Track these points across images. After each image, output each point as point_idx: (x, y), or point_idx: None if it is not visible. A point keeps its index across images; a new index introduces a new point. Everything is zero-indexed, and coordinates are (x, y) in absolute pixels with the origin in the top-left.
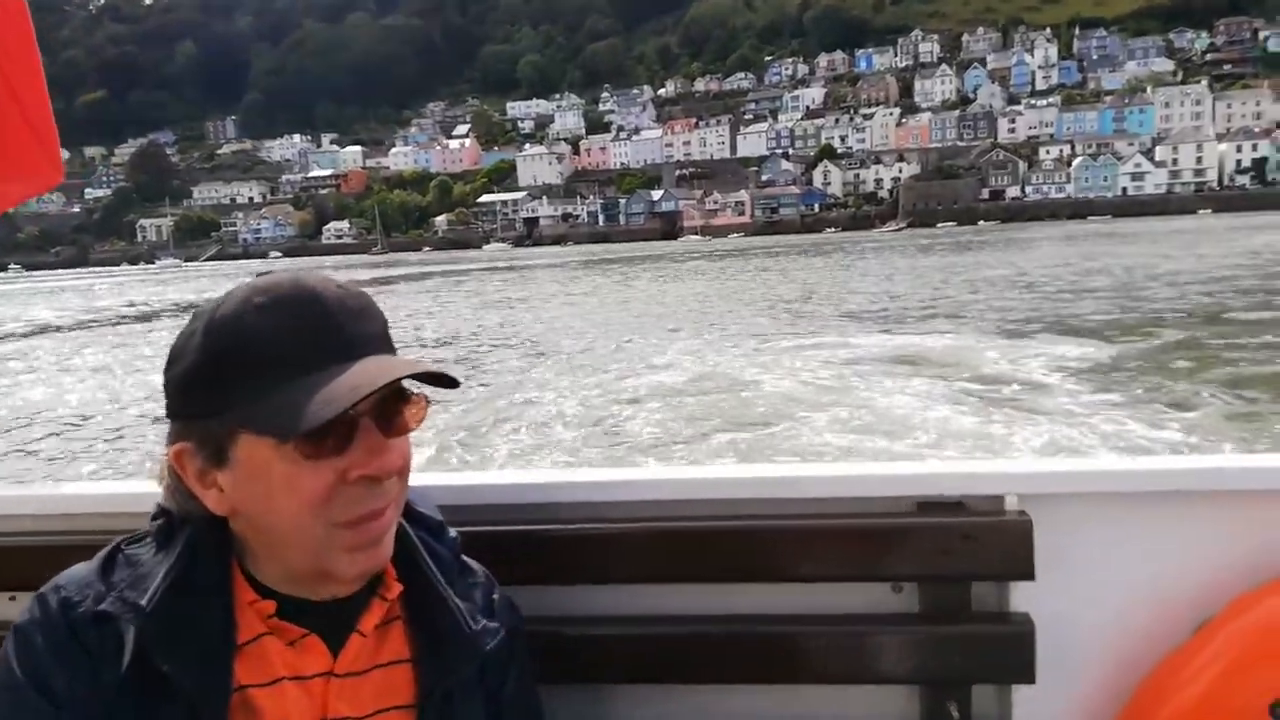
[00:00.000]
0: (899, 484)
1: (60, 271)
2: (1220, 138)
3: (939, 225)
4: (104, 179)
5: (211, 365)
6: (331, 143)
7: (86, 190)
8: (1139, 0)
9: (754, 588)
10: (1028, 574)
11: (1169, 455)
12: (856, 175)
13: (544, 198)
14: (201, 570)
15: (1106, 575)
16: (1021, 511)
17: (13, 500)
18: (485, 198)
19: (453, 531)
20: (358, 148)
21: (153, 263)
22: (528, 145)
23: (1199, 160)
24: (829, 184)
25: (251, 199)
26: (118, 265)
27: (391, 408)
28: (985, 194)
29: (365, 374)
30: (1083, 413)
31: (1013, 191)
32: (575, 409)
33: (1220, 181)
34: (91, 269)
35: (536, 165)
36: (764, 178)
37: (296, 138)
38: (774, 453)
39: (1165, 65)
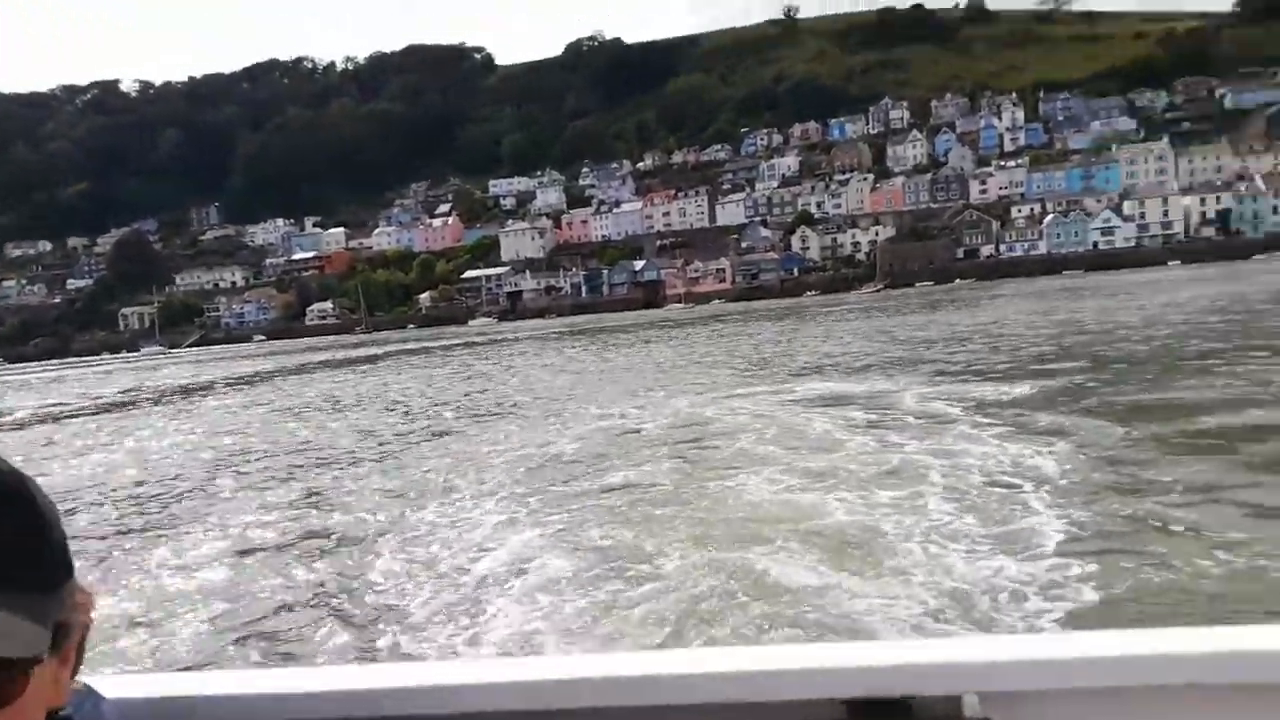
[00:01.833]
0: (825, 681)
1: (37, 364)
2: (1184, 192)
3: (916, 285)
4: (86, 269)
5: None
6: (315, 225)
7: (69, 281)
8: (1098, 64)
9: None
10: None
11: (1184, 628)
12: (834, 239)
13: (527, 272)
14: None
15: None
16: (986, 718)
17: None
18: (469, 274)
19: None
20: (341, 229)
21: (135, 350)
22: (510, 221)
23: (1165, 214)
24: (807, 249)
25: (234, 283)
26: (97, 355)
27: None
28: (960, 253)
29: None
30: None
31: (987, 250)
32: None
33: (1186, 233)
34: (70, 360)
35: (519, 240)
36: (743, 245)
37: (280, 221)
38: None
39: (1128, 124)
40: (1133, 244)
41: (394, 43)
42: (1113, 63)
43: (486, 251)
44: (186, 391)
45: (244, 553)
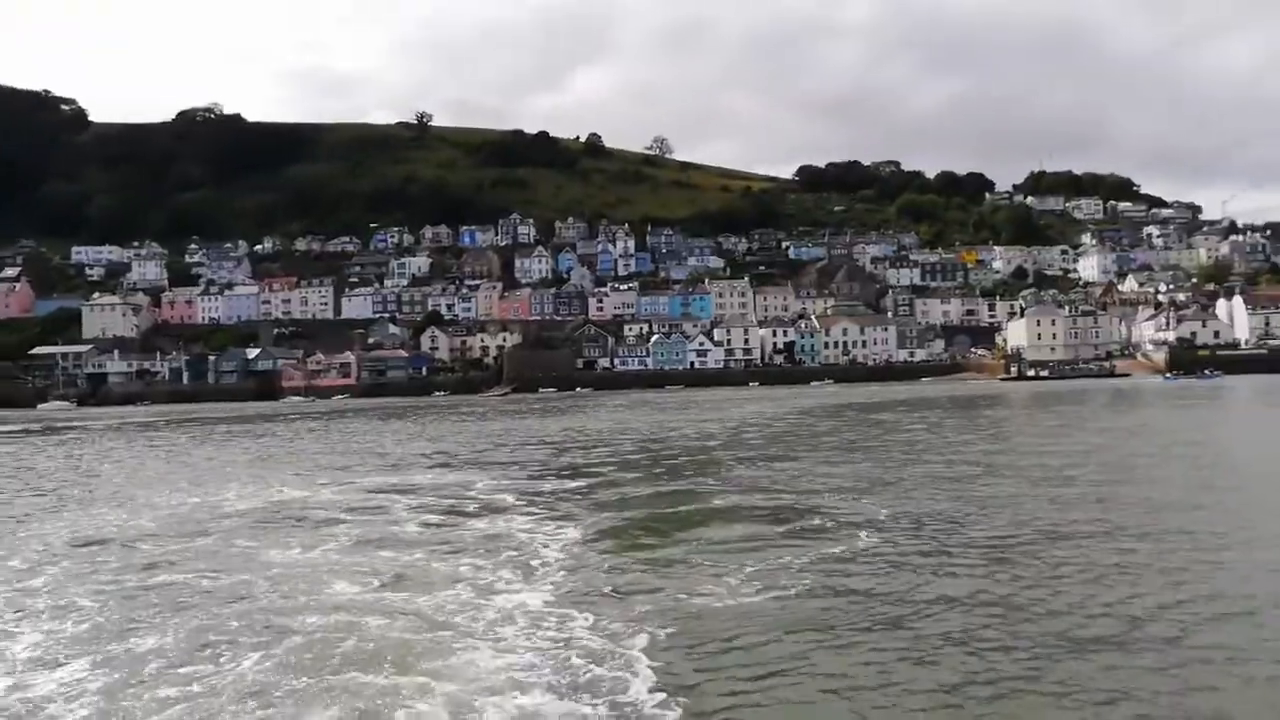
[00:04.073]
0: None
1: None
2: (761, 324)
3: (540, 391)
4: None
5: None
6: None
7: None
8: (694, 208)
9: None
10: None
11: None
12: (463, 342)
13: (115, 352)
14: None
15: None
16: None
17: None
18: (39, 350)
19: None
20: None
21: None
22: (97, 294)
23: (746, 341)
24: (436, 349)
25: None
26: None
27: None
28: (581, 364)
29: None
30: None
31: (604, 362)
32: None
33: (762, 359)
34: None
35: (107, 316)
36: (371, 340)
37: None
38: None
39: (718, 262)
40: (721, 365)
41: None
42: (705, 208)
43: (64, 326)
44: None
45: None
